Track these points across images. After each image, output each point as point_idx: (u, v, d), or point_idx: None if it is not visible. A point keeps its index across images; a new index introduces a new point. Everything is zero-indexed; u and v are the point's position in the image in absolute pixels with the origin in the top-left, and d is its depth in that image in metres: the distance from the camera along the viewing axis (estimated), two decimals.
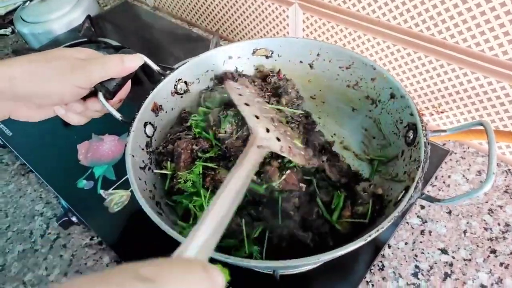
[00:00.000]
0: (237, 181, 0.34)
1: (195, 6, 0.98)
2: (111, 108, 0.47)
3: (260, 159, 0.40)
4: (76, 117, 0.47)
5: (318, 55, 0.57)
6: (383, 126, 0.53)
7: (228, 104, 0.53)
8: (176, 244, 0.38)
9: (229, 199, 0.32)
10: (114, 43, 0.90)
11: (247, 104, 0.47)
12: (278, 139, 0.45)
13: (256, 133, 0.43)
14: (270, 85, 0.59)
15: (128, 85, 0.50)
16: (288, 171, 0.47)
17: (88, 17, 0.97)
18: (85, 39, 0.92)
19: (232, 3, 0.86)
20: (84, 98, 0.47)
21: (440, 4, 0.56)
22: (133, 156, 0.46)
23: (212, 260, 0.36)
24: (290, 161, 0.48)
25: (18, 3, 1.05)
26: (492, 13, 0.52)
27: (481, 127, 0.41)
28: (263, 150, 0.41)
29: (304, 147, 0.51)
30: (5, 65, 0.41)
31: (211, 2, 0.92)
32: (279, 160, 0.48)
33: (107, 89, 0.46)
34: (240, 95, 0.49)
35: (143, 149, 0.50)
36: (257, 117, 0.46)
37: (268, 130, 0.45)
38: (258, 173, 0.47)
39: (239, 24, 0.90)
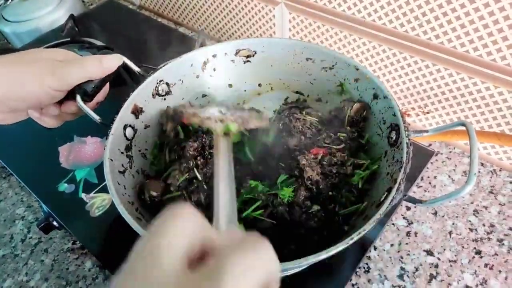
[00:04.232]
0: (223, 168, 0.40)
1: (181, 6, 0.97)
2: (89, 110, 0.46)
3: (230, 143, 0.45)
4: (50, 120, 0.46)
5: (302, 55, 0.57)
6: (366, 127, 0.53)
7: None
8: None
9: (224, 182, 0.38)
10: (98, 43, 0.88)
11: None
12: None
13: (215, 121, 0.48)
14: None
15: (106, 88, 0.49)
16: None
17: (71, 16, 0.95)
18: (68, 39, 0.90)
19: (218, 2, 0.85)
20: (60, 101, 0.46)
21: (425, 4, 0.55)
22: (111, 160, 0.45)
23: None
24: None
25: (0, 2, 1.03)
26: (476, 14, 0.51)
27: (463, 128, 0.40)
28: (227, 137, 0.46)
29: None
30: None
31: (197, 2, 0.91)
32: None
33: (85, 91, 0.45)
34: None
35: (122, 152, 0.48)
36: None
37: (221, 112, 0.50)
38: None
39: (225, 24, 0.89)
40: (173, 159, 0.52)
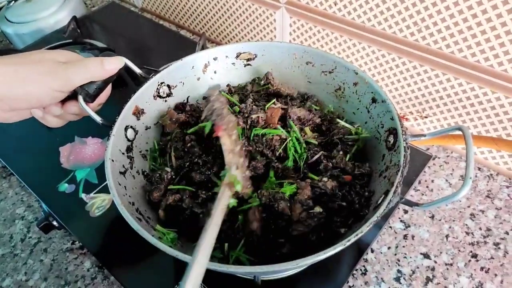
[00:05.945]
0: (214, 229, 0.37)
1: (183, 8, 0.98)
2: (91, 111, 0.47)
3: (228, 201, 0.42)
4: (53, 119, 0.46)
5: (302, 58, 0.57)
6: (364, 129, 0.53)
7: None
8: (155, 249, 0.38)
9: (208, 249, 0.35)
10: (100, 44, 0.89)
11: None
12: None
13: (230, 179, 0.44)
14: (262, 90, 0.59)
15: (108, 89, 0.49)
16: None
17: (74, 18, 0.96)
18: (71, 41, 0.91)
19: (220, 6, 0.86)
20: (63, 101, 0.46)
21: (424, 10, 0.56)
22: (112, 160, 0.45)
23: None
24: None
25: (3, 3, 1.04)
26: (474, 20, 0.52)
27: (460, 132, 0.41)
28: (231, 196, 0.43)
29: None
30: None
31: (199, 5, 0.92)
32: None
33: (87, 92, 0.46)
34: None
35: (123, 153, 0.49)
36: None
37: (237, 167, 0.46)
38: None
39: (227, 27, 0.90)
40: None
